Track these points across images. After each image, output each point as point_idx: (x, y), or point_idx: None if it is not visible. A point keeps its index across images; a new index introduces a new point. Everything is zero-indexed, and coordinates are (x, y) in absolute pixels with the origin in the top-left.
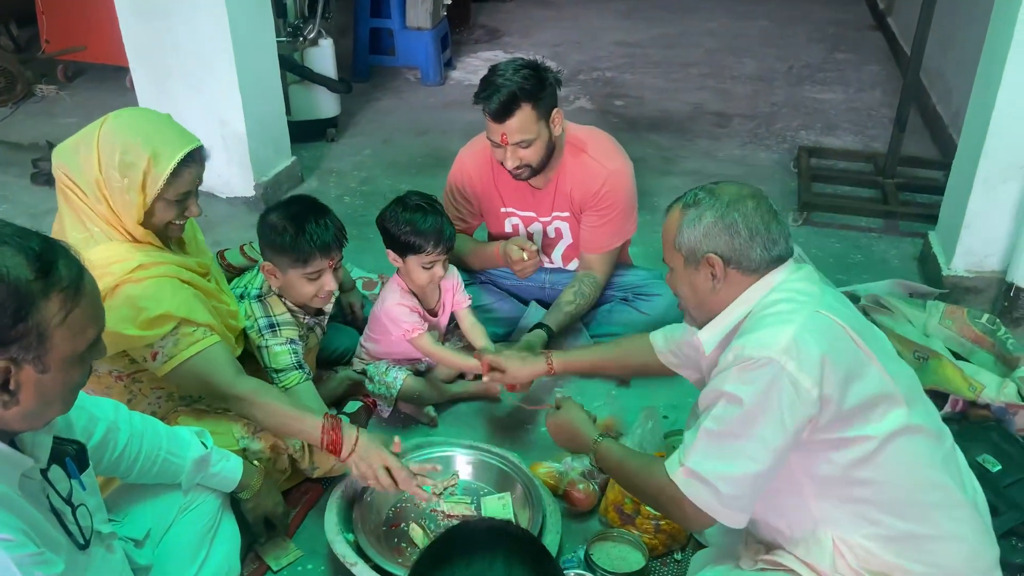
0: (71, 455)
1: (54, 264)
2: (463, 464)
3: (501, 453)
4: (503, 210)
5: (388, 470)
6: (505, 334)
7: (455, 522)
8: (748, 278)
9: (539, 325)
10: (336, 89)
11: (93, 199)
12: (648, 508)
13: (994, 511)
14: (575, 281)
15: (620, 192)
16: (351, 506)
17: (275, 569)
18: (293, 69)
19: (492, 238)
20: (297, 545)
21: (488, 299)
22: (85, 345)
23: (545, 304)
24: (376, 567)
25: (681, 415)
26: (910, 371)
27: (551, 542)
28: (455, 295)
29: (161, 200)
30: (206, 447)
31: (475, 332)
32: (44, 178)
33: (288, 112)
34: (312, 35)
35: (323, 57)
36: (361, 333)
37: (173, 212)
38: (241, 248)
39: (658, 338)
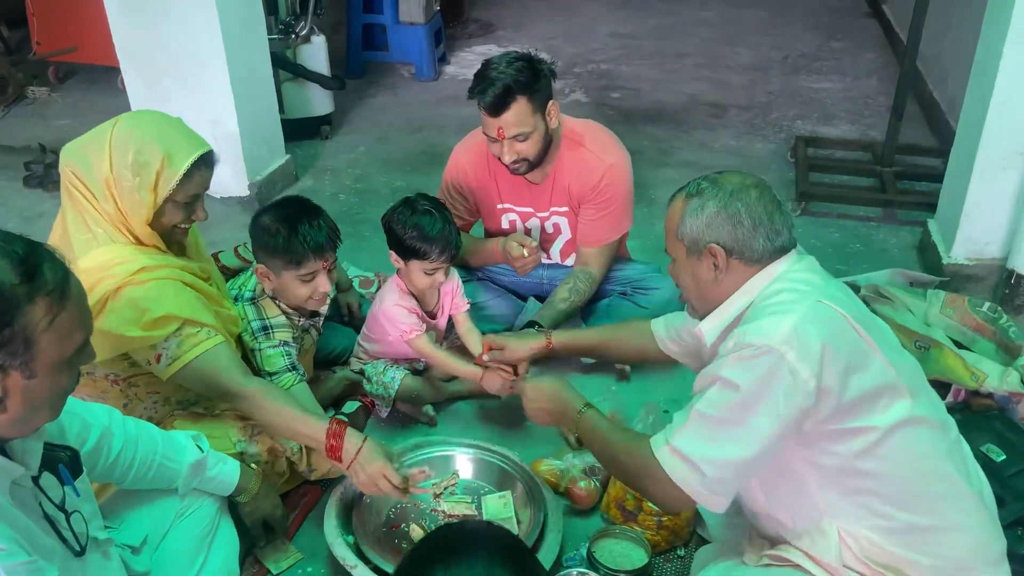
0: (64, 461)
1: (39, 268)
2: (463, 463)
3: (501, 451)
4: (500, 206)
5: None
6: (503, 331)
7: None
8: (751, 268)
9: (531, 324)
10: (329, 86)
11: (101, 199)
12: (650, 504)
13: (1000, 501)
14: (570, 277)
15: (619, 185)
16: (350, 508)
17: (275, 573)
18: (286, 67)
19: (489, 235)
20: (296, 548)
21: (486, 296)
22: (73, 349)
23: (543, 300)
24: (376, 569)
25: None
26: (913, 362)
27: (553, 540)
28: (454, 298)
29: (171, 202)
30: (202, 451)
31: (471, 337)
32: (37, 181)
33: (281, 110)
34: (304, 32)
35: (316, 54)
36: (359, 333)
37: (181, 215)
38: (235, 249)
39: (659, 326)
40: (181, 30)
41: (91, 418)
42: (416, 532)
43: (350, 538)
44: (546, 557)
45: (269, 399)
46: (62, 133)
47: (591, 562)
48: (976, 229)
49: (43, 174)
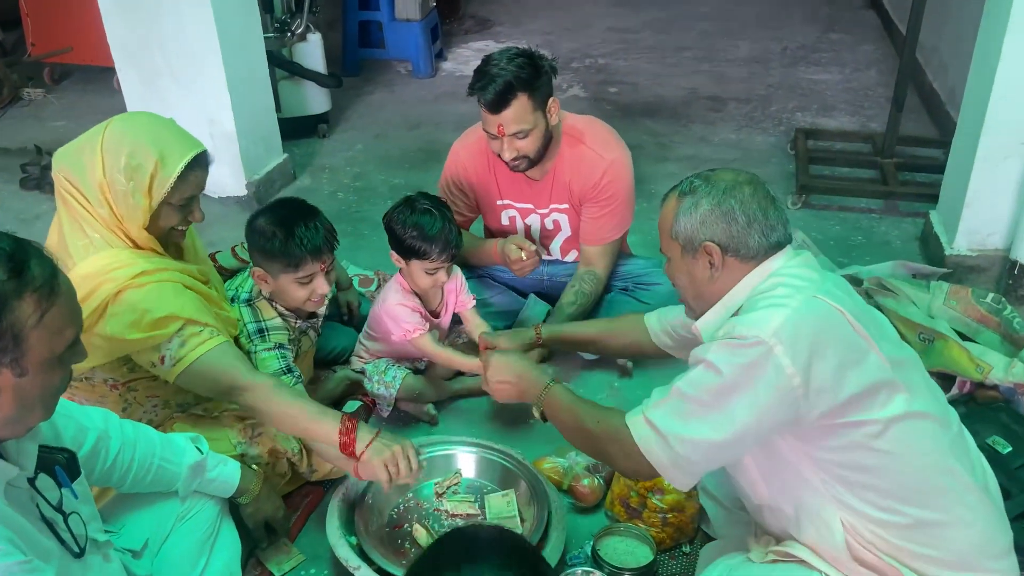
0: (61, 463)
1: (26, 264)
2: (466, 462)
3: (504, 450)
4: (500, 202)
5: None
6: (505, 327)
7: (459, 521)
8: (746, 265)
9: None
10: (326, 84)
11: (96, 204)
12: (655, 501)
13: (1006, 494)
14: (575, 279)
15: (620, 182)
16: (352, 509)
17: (277, 575)
18: (282, 65)
19: (488, 231)
20: (299, 549)
21: (486, 293)
22: (63, 346)
23: (544, 296)
24: (380, 570)
25: None
26: (913, 355)
27: (557, 538)
28: (459, 296)
29: (166, 204)
30: (201, 452)
31: (480, 328)
32: (34, 183)
33: (278, 109)
34: (300, 30)
35: (312, 52)
36: (359, 332)
37: (177, 217)
38: (232, 250)
39: (652, 319)
40: (176, 29)
41: (87, 421)
42: (419, 532)
43: (353, 539)
44: (550, 555)
45: (279, 392)
46: (58, 134)
47: (595, 560)
48: (978, 220)
49: (40, 176)
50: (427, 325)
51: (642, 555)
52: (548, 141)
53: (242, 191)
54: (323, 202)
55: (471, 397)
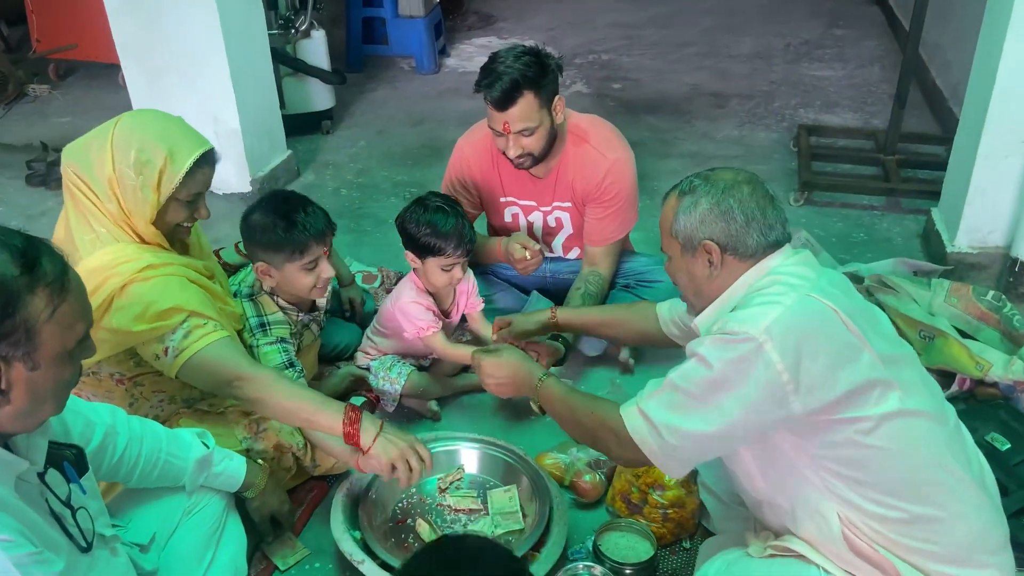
0: (69, 459)
1: (38, 260)
2: (469, 458)
3: (506, 446)
4: (503, 199)
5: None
6: None
7: (462, 516)
8: (744, 264)
9: (556, 337)
10: (330, 81)
11: (104, 198)
12: (655, 497)
13: (1004, 490)
14: (581, 281)
15: (622, 182)
16: (357, 504)
17: (282, 569)
18: (286, 62)
19: (491, 228)
20: (303, 544)
21: (489, 290)
22: (74, 341)
23: (546, 293)
24: (383, 564)
25: None
26: (910, 353)
27: (558, 533)
28: (469, 298)
29: (174, 200)
30: (207, 447)
31: (486, 333)
32: (39, 179)
33: (282, 105)
34: (304, 27)
35: (316, 49)
36: (361, 328)
37: (184, 214)
38: (236, 246)
39: (664, 308)
40: (181, 26)
41: (95, 417)
42: (422, 527)
43: (357, 533)
44: (552, 550)
45: (281, 384)
46: (63, 131)
47: (597, 555)
48: (980, 217)
49: (45, 172)
50: (440, 323)
51: (643, 550)
52: (553, 139)
53: (246, 188)
54: (326, 198)
55: (474, 393)
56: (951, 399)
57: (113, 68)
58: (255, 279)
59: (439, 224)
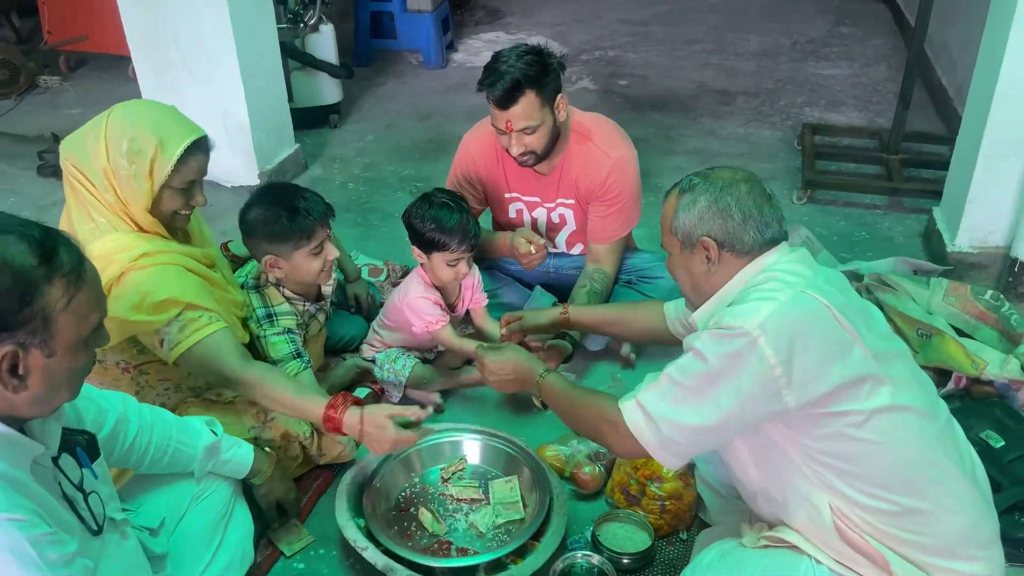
0: (82, 445)
1: (55, 251)
2: (471, 448)
3: (508, 437)
4: (508, 195)
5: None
6: None
7: (464, 505)
8: (741, 260)
9: (562, 335)
10: (338, 75)
11: (101, 188)
12: (653, 489)
13: (997, 487)
14: (585, 278)
15: (626, 180)
16: (361, 492)
17: (287, 555)
18: (294, 56)
19: (496, 224)
20: (308, 531)
21: (493, 285)
22: (89, 330)
23: (549, 288)
24: (386, 551)
25: None
26: (903, 350)
27: (558, 523)
28: (474, 293)
29: (167, 188)
30: (216, 435)
31: (489, 327)
32: (51, 170)
33: (290, 99)
34: (313, 21)
35: (324, 43)
36: (367, 321)
37: (179, 201)
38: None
39: (670, 308)
40: (191, 20)
41: (107, 404)
42: (425, 515)
43: (361, 521)
44: (551, 539)
45: (268, 383)
46: (74, 122)
47: (595, 545)
48: (980, 217)
49: (56, 163)
50: (447, 317)
51: (640, 540)
52: (556, 137)
53: (255, 180)
54: (334, 192)
55: (477, 386)
56: (947, 397)
57: (123, 60)
58: (260, 270)
59: (444, 220)
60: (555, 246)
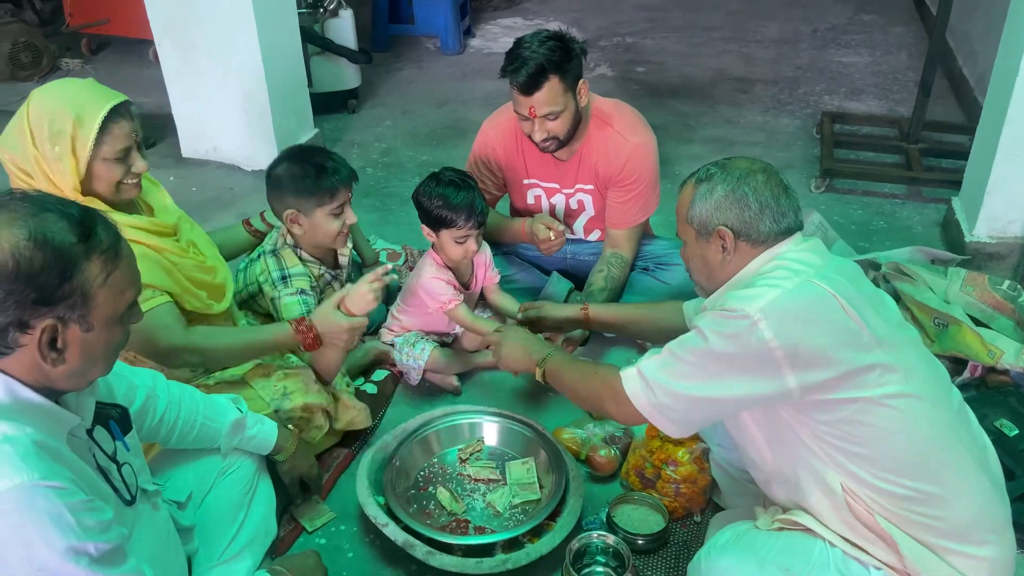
0: (115, 418)
1: (94, 229)
2: (489, 430)
3: (525, 420)
4: (526, 181)
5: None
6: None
7: (481, 485)
8: (756, 249)
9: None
10: (357, 60)
11: (37, 178)
12: (669, 472)
13: (1011, 474)
14: (603, 263)
15: (645, 166)
16: (381, 470)
17: (309, 530)
18: (314, 41)
19: (514, 210)
20: (329, 507)
21: (510, 270)
22: (125, 306)
23: (567, 274)
24: (406, 528)
25: None
26: (914, 339)
27: (574, 504)
28: (487, 271)
29: (100, 161)
30: (241, 412)
31: (504, 301)
32: None
33: (309, 84)
34: (332, 6)
35: (343, 28)
36: (385, 305)
37: (119, 171)
38: (261, 215)
39: (690, 307)
40: (214, 4)
41: (137, 380)
42: (443, 494)
43: (381, 499)
44: (567, 520)
45: (215, 337)
46: None
47: (610, 526)
48: (999, 207)
49: None
50: (461, 296)
51: (655, 522)
52: (578, 122)
53: None
54: None
55: (494, 370)
56: (962, 385)
57: (144, 43)
58: (278, 236)
59: (451, 197)
60: (573, 232)
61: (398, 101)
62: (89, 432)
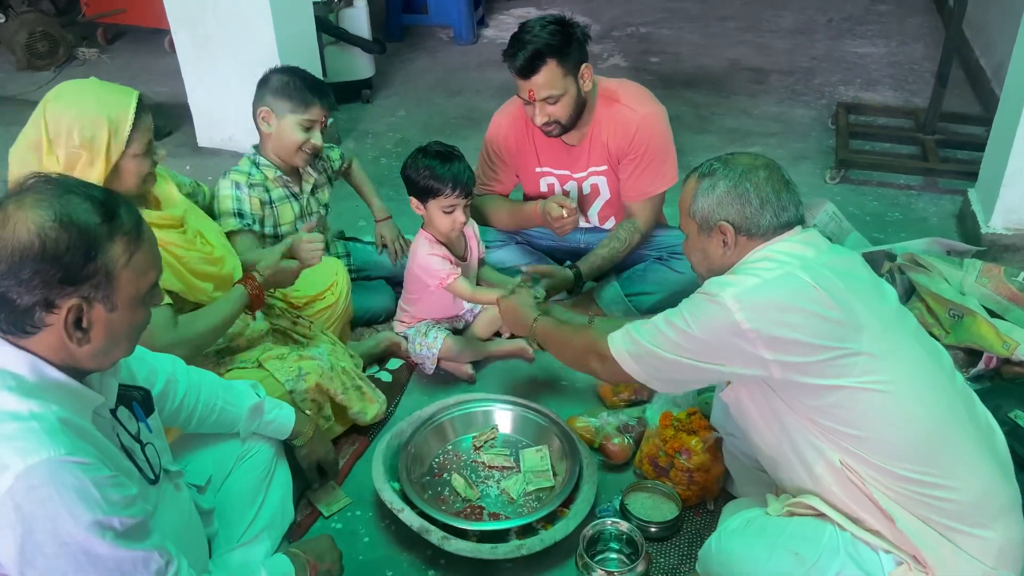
0: (137, 399)
1: (116, 210)
2: (503, 418)
3: (539, 408)
4: (538, 169)
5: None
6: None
7: (495, 472)
8: (754, 243)
9: (571, 267)
10: (371, 50)
11: None
12: (682, 461)
13: (1022, 463)
14: (615, 229)
15: (654, 133)
16: (396, 457)
17: (326, 515)
18: (328, 30)
19: (527, 199)
20: (346, 493)
21: (526, 259)
22: (147, 286)
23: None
24: (421, 513)
25: None
26: (911, 328)
27: (588, 491)
28: (478, 243)
29: (129, 158)
30: (259, 397)
31: (492, 275)
32: None
33: (324, 74)
34: None
35: (357, 18)
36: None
37: (147, 164)
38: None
39: None
40: None
41: (158, 365)
42: (458, 481)
43: (396, 484)
44: (581, 507)
45: (197, 323)
46: None
47: (624, 513)
48: (1016, 198)
49: None
50: (459, 270)
51: (668, 510)
52: (581, 107)
53: None
54: (367, 167)
55: (506, 358)
56: (977, 377)
57: (160, 33)
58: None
59: (436, 167)
60: (587, 220)
61: (412, 91)
62: (113, 412)
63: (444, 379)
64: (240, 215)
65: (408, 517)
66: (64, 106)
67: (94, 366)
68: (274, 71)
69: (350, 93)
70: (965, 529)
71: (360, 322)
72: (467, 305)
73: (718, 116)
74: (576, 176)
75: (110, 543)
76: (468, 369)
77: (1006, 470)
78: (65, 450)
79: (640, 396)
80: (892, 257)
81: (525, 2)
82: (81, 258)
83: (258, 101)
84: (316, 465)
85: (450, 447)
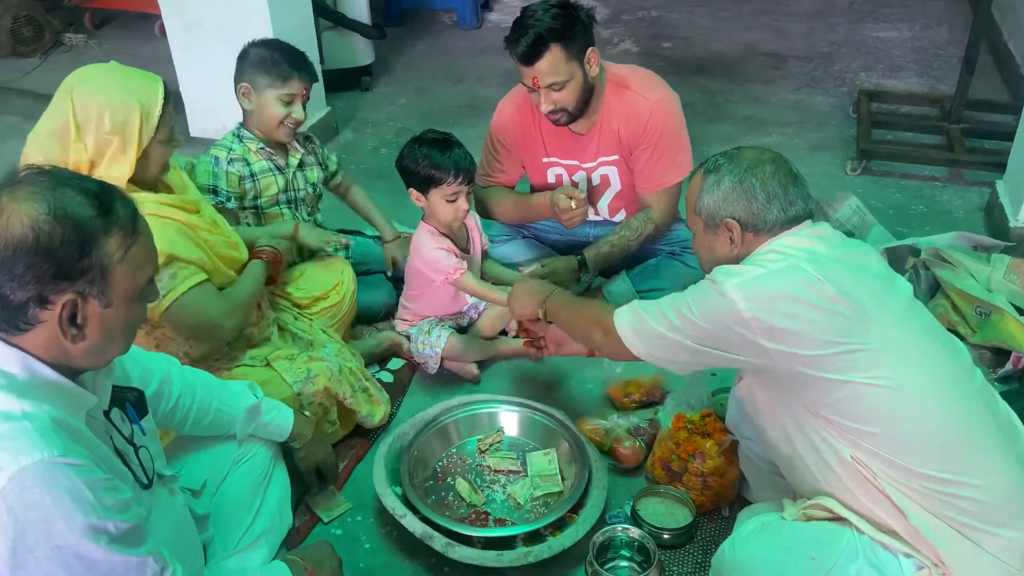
0: (131, 401)
1: (112, 204)
2: (509, 420)
3: (546, 410)
4: (546, 160)
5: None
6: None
7: (501, 476)
8: (761, 238)
9: (577, 255)
10: (370, 35)
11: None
12: (696, 465)
13: None
14: (627, 217)
15: (667, 120)
16: (398, 460)
17: (325, 521)
18: (326, 15)
19: (534, 191)
20: (346, 498)
21: (535, 253)
22: (144, 282)
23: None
24: (424, 519)
25: (728, 372)
26: (925, 323)
27: (597, 496)
28: (480, 234)
29: (156, 144)
30: (257, 397)
31: (495, 268)
32: None
33: (321, 60)
34: None
35: (356, 2)
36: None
37: (168, 148)
38: None
39: None
40: None
41: (152, 365)
42: (462, 485)
43: (398, 489)
44: (590, 513)
45: (236, 293)
46: None
47: (635, 519)
48: None
49: None
50: (465, 264)
51: (681, 516)
52: (589, 93)
53: None
54: (366, 157)
55: (513, 357)
56: (1005, 377)
57: (149, 18)
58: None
59: (435, 155)
60: (597, 212)
61: (413, 78)
62: (106, 414)
63: (448, 379)
64: (215, 192)
65: (410, 523)
66: (92, 90)
67: (88, 364)
68: (252, 44)
69: (349, 80)
70: (987, 528)
71: (359, 319)
72: (471, 300)
73: (732, 104)
74: (585, 166)
75: (104, 548)
76: (473, 369)
77: None
78: (58, 451)
79: (652, 397)
80: (916, 252)
81: None
82: (76, 252)
83: (238, 76)
84: (315, 469)
85: (454, 450)
